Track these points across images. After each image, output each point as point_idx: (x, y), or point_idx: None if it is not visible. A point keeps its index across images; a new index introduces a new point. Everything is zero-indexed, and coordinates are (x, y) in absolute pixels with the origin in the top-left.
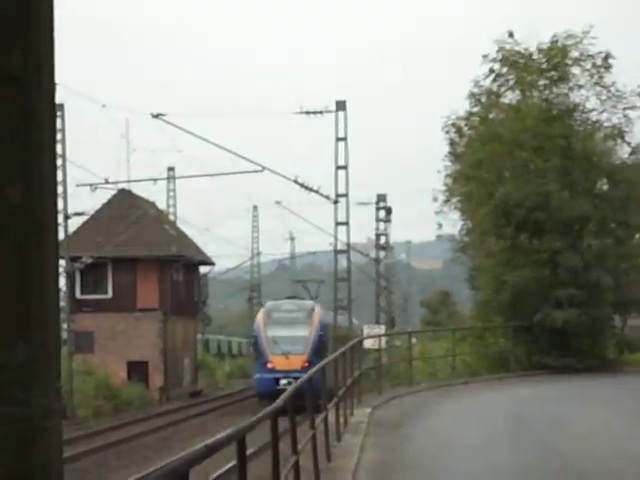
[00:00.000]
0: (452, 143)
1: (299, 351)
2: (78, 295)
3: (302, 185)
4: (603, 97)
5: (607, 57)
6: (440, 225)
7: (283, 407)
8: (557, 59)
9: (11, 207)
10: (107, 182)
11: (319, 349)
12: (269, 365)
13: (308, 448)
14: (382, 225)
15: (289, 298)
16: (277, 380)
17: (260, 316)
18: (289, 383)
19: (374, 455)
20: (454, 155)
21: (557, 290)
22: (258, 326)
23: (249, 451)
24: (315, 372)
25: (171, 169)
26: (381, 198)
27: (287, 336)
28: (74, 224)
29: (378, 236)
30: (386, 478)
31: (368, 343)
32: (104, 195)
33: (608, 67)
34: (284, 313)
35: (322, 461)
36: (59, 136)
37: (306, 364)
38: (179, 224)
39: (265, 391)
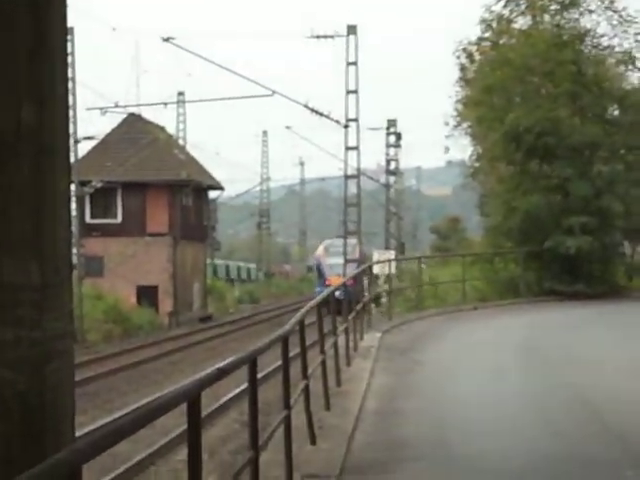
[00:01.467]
0: (463, 68)
1: None
2: (88, 219)
3: (312, 109)
4: (614, 22)
5: None
6: (448, 149)
7: (290, 331)
8: None
9: (25, 129)
10: (117, 106)
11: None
12: (327, 283)
13: (318, 373)
14: (392, 151)
15: (338, 237)
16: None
17: (320, 249)
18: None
19: (384, 380)
20: (465, 80)
21: (568, 217)
22: (319, 256)
23: (259, 375)
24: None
25: (181, 93)
26: (391, 123)
27: (339, 263)
28: (84, 148)
29: (388, 162)
30: (395, 402)
31: (378, 269)
32: (114, 119)
33: None
34: (337, 248)
35: (332, 386)
36: (70, 59)
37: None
38: (189, 149)
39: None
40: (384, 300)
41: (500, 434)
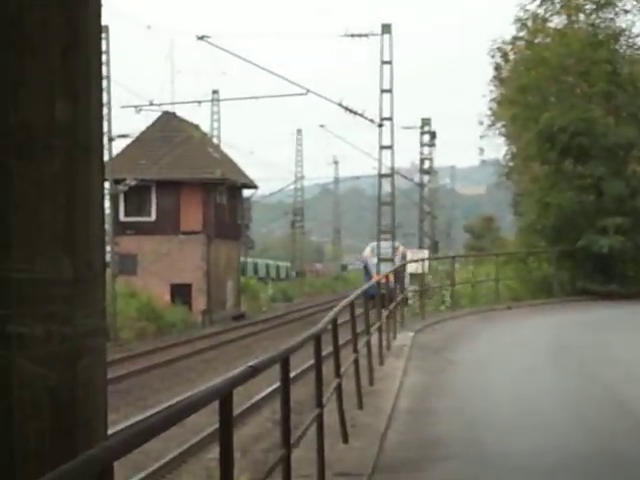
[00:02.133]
0: (497, 67)
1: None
2: (122, 217)
3: (346, 108)
4: None
5: None
6: (482, 150)
7: (323, 330)
8: None
9: (60, 126)
10: (151, 104)
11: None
12: (373, 280)
13: (351, 372)
14: (426, 149)
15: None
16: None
17: (367, 250)
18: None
19: (416, 379)
20: (499, 79)
21: (602, 217)
22: (366, 257)
23: (292, 374)
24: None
25: (215, 92)
26: (426, 122)
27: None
28: (118, 146)
29: (422, 160)
30: (428, 401)
31: (412, 268)
32: (148, 117)
33: None
34: (381, 249)
35: (364, 384)
36: (104, 57)
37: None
38: (223, 147)
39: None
40: (416, 300)
41: (532, 432)
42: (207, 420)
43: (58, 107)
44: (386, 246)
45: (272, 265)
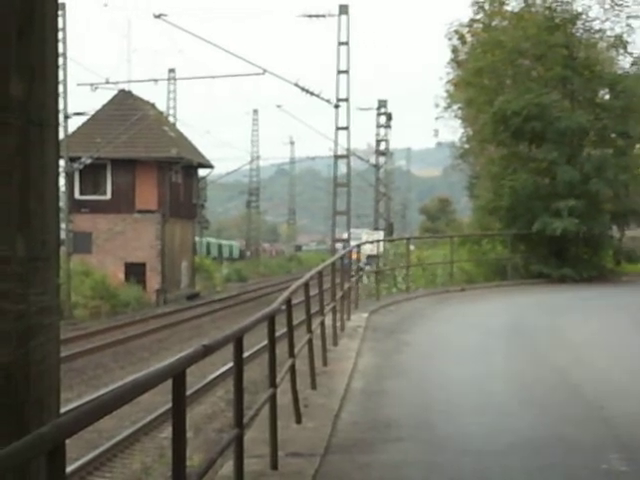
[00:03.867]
0: (454, 50)
1: None
2: (77, 196)
3: (303, 89)
4: (606, 6)
5: None
6: (437, 132)
7: (277, 310)
8: None
9: (14, 102)
10: (108, 82)
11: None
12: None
13: (305, 352)
14: (382, 131)
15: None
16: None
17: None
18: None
19: (370, 359)
20: (456, 62)
21: (556, 200)
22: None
23: (246, 354)
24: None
25: (172, 70)
26: (382, 104)
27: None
28: (74, 124)
29: (378, 142)
30: (381, 382)
31: (367, 249)
32: (105, 95)
33: None
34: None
35: (318, 365)
36: (61, 35)
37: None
38: (179, 126)
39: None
40: (371, 280)
41: (485, 415)
42: (163, 399)
43: (13, 84)
44: (358, 232)
45: (225, 245)
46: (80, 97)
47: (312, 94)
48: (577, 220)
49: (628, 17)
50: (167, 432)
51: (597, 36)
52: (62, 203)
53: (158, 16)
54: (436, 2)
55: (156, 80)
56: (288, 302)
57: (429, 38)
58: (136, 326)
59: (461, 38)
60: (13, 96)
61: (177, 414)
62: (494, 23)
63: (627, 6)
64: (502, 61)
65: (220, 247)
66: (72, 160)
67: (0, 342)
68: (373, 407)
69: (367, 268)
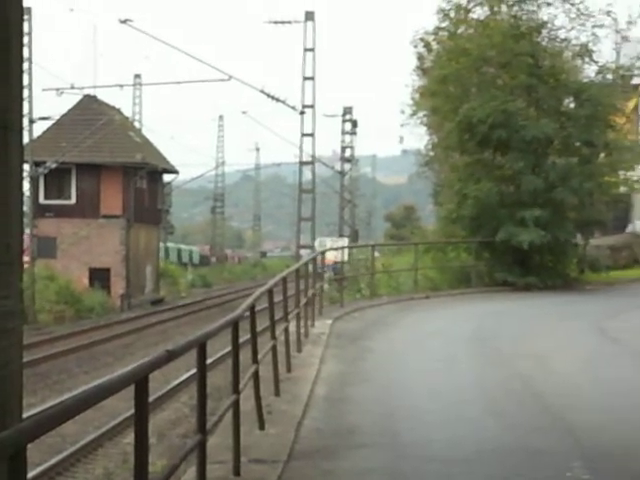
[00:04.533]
0: (420, 58)
1: None
2: (41, 200)
3: (268, 95)
4: (572, 15)
5: None
6: (402, 139)
7: (240, 316)
8: None
9: None
10: (73, 87)
11: None
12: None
13: (268, 359)
14: (348, 138)
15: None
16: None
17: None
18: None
19: (334, 366)
20: (422, 70)
21: (521, 209)
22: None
23: (210, 360)
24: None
25: (138, 76)
26: (347, 111)
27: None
28: (39, 128)
29: (343, 149)
30: (345, 389)
31: (331, 256)
32: (70, 100)
33: None
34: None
35: (282, 372)
36: (26, 39)
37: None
38: (144, 132)
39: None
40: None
41: (449, 423)
42: (126, 405)
43: None
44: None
45: (185, 250)
46: (45, 102)
47: (278, 100)
48: (543, 232)
49: (593, 26)
50: (131, 437)
51: (562, 45)
52: (26, 207)
53: (124, 21)
54: (402, 10)
55: (122, 85)
56: (252, 308)
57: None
58: (100, 331)
59: (427, 46)
60: None
61: (139, 419)
62: (460, 31)
63: (592, 15)
64: (467, 69)
65: (179, 252)
66: (37, 164)
67: None
68: (336, 414)
69: (326, 275)
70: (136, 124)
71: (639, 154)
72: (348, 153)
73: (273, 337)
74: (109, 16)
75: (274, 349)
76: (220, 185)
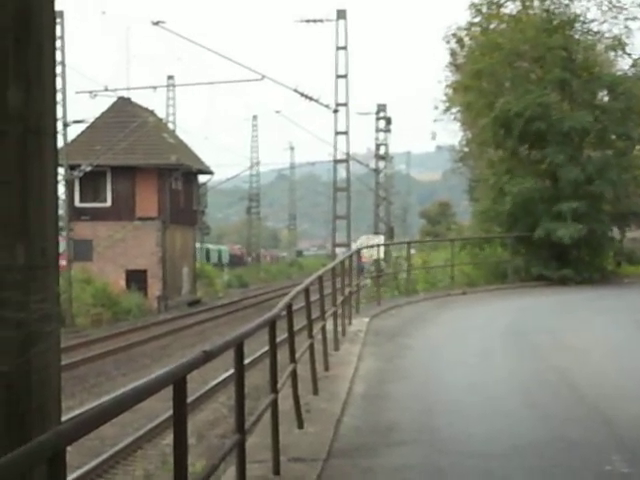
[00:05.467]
0: (453, 53)
1: None
2: (77, 203)
3: (302, 94)
4: (604, 8)
5: None
6: (435, 134)
7: (277, 315)
8: None
9: (12, 111)
10: (107, 89)
11: None
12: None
13: (306, 358)
14: (382, 135)
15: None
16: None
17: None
18: None
19: (371, 364)
20: (454, 65)
21: (559, 203)
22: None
23: (248, 360)
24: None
25: (171, 77)
26: (381, 108)
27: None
28: (73, 132)
29: (378, 146)
30: (383, 386)
31: (367, 253)
32: (104, 103)
33: None
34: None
35: (320, 370)
36: (59, 43)
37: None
38: (178, 133)
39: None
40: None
41: (487, 418)
42: (165, 405)
43: (10, 92)
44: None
45: (213, 249)
46: (79, 105)
47: (311, 99)
48: (581, 226)
49: (626, 19)
50: (170, 439)
51: (595, 38)
52: (62, 211)
53: (156, 23)
54: (434, 6)
55: (155, 87)
56: (289, 307)
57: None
58: (138, 333)
59: (459, 41)
60: (11, 105)
61: (178, 420)
62: (492, 26)
63: (625, 8)
64: (500, 64)
65: (208, 252)
66: (72, 168)
67: (1, 350)
68: (375, 411)
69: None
70: (170, 125)
71: None
72: (382, 150)
73: (310, 336)
74: (142, 18)
75: (311, 348)
76: (255, 185)
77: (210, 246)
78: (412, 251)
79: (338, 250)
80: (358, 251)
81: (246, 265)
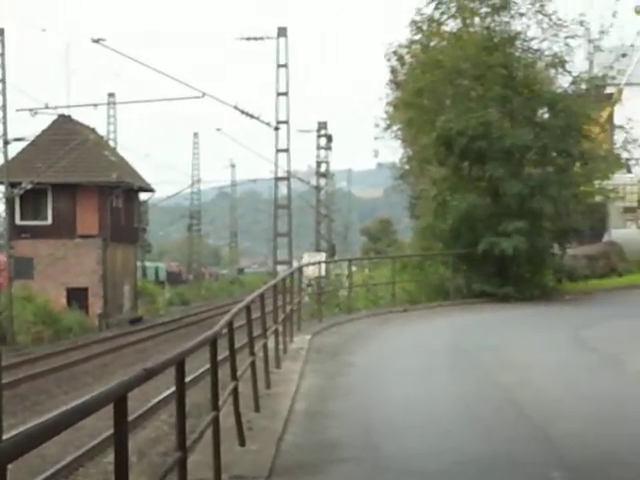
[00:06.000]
0: (393, 71)
1: None
2: (18, 221)
3: (243, 111)
4: (544, 25)
5: None
6: (377, 152)
7: (218, 332)
8: None
9: None
10: (47, 107)
11: None
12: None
13: (247, 375)
14: (323, 153)
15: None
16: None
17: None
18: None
19: (313, 381)
20: (395, 83)
21: (500, 219)
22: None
23: (189, 378)
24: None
25: (111, 95)
26: (322, 126)
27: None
28: (14, 149)
29: (319, 164)
30: (325, 404)
31: (309, 271)
32: (44, 120)
33: None
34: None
35: (261, 388)
36: None
37: None
38: (119, 150)
39: None
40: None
41: (429, 435)
42: (106, 424)
43: None
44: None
45: (149, 267)
46: (20, 122)
47: (252, 117)
48: (523, 238)
49: (566, 37)
50: (111, 457)
51: (536, 55)
52: (2, 228)
53: (97, 41)
54: (375, 23)
55: (96, 105)
56: (230, 325)
57: (369, 59)
58: (79, 351)
59: (400, 59)
60: None
61: (119, 438)
62: (432, 43)
63: (565, 26)
64: (441, 81)
65: (144, 269)
66: (12, 185)
67: None
68: (317, 429)
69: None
70: (111, 143)
71: (614, 163)
72: (323, 168)
73: (252, 353)
74: (82, 35)
75: (253, 365)
76: (196, 202)
77: (147, 263)
78: (353, 268)
79: (279, 268)
80: (300, 268)
81: (184, 282)
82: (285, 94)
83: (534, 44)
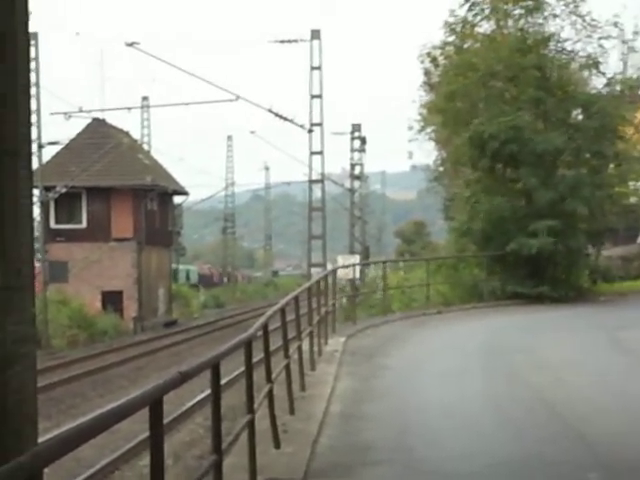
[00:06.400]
0: (427, 73)
1: None
2: (52, 225)
3: (276, 114)
4: (578, 27)
5: None
6: (411, 154)
7: (253, 335)
8: None
9: None
10: (81, 111)
11: None
12: None
13: (282, 378)
14: (357, 155)
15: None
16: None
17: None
18: None
19: (348, 384)
20: (429, 85)
21: (532, 221)
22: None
23: (224, 380)
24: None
25: (145, 98)
26: (356, 128)
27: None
28: (48, 153)
29: (353, 166)
30: (360, 406)
31: (342, 273)
32: (78, 124)
33: None
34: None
35: (296, 390)
36: (33, 64)
37: None
38: (153, 154)
39: None
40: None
41: (463, 437)
42: (142, 427)
43: None
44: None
45: (181, 269)
46: (54, 126)
47: (286, 119)
48: (553, 239)
49: (600, 38)
50: (147, 460)
51: (570, 57)
52: (38, 232)
53: (130, 44)
54: (409, 25)
55: (129, 108)
56: (265, 327)
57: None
58: (114, 354)
59: (433, 61)
60: None
61: (155, 441)
62: (466, 45)
63: (599, 27)
64: (475, 83)
65: (176, 272)
66: (47, 189)
67: None
68: (351, 431)
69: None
70: (145, 146)
71: None
72: (357, 170)
73: (287, 356)
74: (115, 39)
75: (288, 368)
76: (230, 205)
77: (180, 266)
78: (387, 271)
79: (314, 270)
80: (334, 270)
81: (217, 285)
82: (319, 96)
83: (568, 45)
